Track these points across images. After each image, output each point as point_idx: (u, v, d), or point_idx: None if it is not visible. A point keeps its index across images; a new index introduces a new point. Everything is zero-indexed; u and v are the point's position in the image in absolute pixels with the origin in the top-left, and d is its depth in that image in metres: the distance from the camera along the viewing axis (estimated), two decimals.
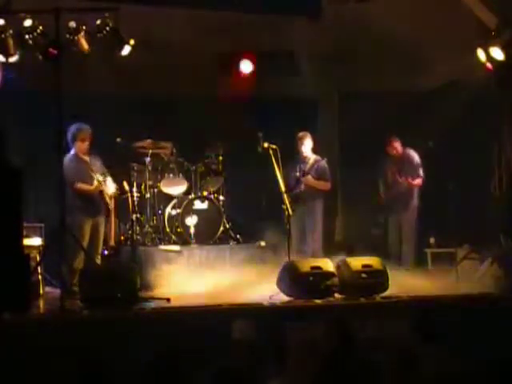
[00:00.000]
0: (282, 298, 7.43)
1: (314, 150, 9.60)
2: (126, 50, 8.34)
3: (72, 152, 8.47)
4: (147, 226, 9.46)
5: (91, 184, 8.35)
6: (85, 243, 8.15)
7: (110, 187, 8.54)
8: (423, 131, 10.50)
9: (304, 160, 9.48)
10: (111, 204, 8.53)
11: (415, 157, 9.87)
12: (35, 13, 7.94)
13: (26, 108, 9.53)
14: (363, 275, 7.55)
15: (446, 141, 10.51)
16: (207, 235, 9.43)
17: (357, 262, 7.68)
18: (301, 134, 9.53)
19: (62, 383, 5.35)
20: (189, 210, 9.42)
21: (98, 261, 8.38)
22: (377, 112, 10.46)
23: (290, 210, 8.59)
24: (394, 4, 9.64)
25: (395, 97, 10.74)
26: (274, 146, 8.83)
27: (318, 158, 9.50)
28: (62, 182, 7.43)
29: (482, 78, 9.63)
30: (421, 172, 9.81)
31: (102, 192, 8.40)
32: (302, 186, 9.35)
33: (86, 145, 8.51)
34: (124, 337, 6.19)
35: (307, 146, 9.48)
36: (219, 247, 9.35)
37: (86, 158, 8.54)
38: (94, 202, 8.42)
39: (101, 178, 8.32)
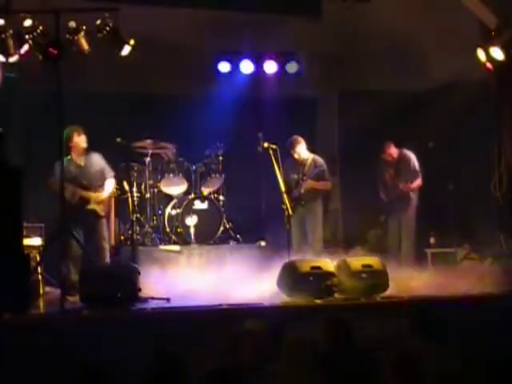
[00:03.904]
0: (282, 298, 7.43)
1: (313, 150, 9.58)
2: (126, 50, 8.33)
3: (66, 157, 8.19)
4: (147, 226, 9.46)
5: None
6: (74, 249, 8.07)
7: (106, 189, 8.47)
8: (423, 131, 10.50)
9: (302, 162, 9.44)
10: (100, 210, 8.40)
11: (411, 158, 9.79)
12: (35, 13, 7.94)
13: (26, 108, 9.53)
14: (363, 275, 7.53)
15: (446, 141, 10.51)
16: (207, 235, 9.44)
17: (357, 262, 7.67)
18: (289, 140, 9.37)
19: (62, 383, 5.35)
20: (189, 209, 9.42)
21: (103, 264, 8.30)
22: (376, 112, 10.46)
23: (290, 210, 8.58)
24: (393, 4, 9.66)
25: (395, 97, 10.73)
26: (273, 146, 8.82)
27: (316, 158, 9.46)
28: (62, 181, 7.42)
29: (481, 78, 9.63)
30: (418, 172, 9.75)
31: (84, 199, 8.32)
32: (302, 189, 9.32)
33: (78, 149, 8.39)
34: (124, 337, 6.18)
35: (300, 151, 9.37)
36: (219, 247, 9.35)
37: (78, 163, 8.44)
38: (77, 210, 8.21)
39: (70, 188, 8.11)
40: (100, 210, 8.41)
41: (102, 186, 8.52)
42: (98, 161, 8.57)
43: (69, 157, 8.39)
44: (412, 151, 9.89)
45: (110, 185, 8.57)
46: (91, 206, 8.35)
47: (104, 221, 8.53)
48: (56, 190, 7.72)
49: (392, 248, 9.73)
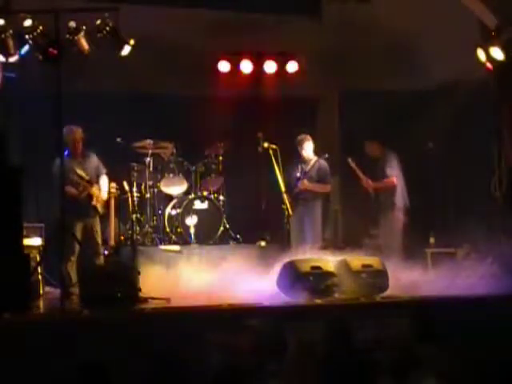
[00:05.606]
0: (282, 298, 7.43)
1: (315, 151, 9.59)
2: (126, 50, 8.34)
3: (65, 154, 8.40)
4: (147, 226, 9.47)
5: (77, 187, 8.36)
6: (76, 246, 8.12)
7: (103, 188, 8.53)
8: (423, 131, 10.49)
9: (306, 161, 9.46)
10: (100, 207, 8.52)
11: (389, 160, 9.59)
12: (35, 13, 7.95)
13: (26, 108, 9.53)
14: (363, 275, 7.55)
15: (446, 141, 10.50)
16: (207, 235, 9.44)
17: (357, 262, 7.68)
18: (299, 137, 9.47)
19: (62, 383, 5.35)
20: (189, 209, 9.43)
21: (101, 261, 8.36)
22: (377, 112, 10.46)
23: (290, 210, 8.59)
24: (394, 4, 9.66)
25: (395, 97, 10.73)
26: (274, 146, 8.83)
27: (321, 161, 9.48)
28: (62, 182, 7.43)
29: (481, 78, 9.63)
30: (388, 175, 9.56)
31: (90, 195, 8.40)
32: (297, 189, 9.31)
33: (77, 147, 8.50)
34: (124, 337, 6.18)
35: (308, 149, 9.42)
36: (219, 247, 9.36)
37: (78, 160, 8.52)
38: (81, 205, 8.40)
39: (82, 184, 8.33)
40: (100, 207, 8.53)
41: (97, 182, 8.62)
42: (93, 158, 8.68)
43: (67, 154, 8.42)
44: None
45: (104, 181, 8.67)
46: (94, 203, 8.43)
47: (98, 219, 8.63)
48: (75, 195, 8.24)
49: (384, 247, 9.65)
